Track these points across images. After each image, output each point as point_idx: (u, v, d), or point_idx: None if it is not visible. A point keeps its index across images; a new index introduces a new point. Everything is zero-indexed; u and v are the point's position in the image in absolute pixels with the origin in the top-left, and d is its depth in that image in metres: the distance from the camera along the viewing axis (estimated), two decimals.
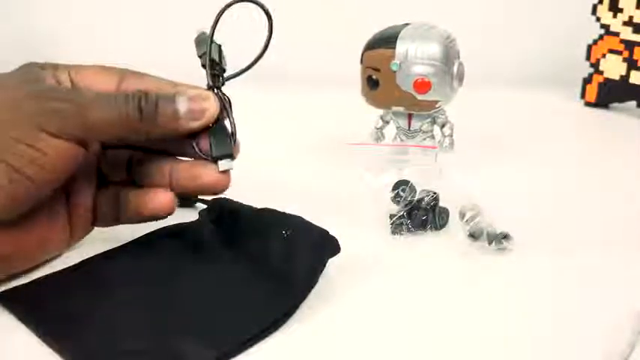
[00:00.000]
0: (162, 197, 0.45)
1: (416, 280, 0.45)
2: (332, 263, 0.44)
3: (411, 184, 0.52)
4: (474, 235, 0.48)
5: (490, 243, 0.48)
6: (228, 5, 0.44)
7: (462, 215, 0.50)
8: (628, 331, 0.38)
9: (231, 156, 0.44)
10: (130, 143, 0.46)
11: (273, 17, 0.45)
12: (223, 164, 0.44)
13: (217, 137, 0.44)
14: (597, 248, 0.49)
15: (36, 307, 0.41)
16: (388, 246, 0.50)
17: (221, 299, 0.42)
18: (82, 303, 0.41)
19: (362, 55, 0.61)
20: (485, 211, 0.50)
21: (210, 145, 0.44)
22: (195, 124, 0.42)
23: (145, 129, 0.41)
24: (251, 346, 0.38)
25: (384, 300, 0.43)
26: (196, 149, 0.44)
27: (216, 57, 0.44)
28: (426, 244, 0.50)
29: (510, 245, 0.48)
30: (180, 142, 0.44)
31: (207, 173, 0.44)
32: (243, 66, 0.46)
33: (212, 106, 0.43)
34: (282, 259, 0.43)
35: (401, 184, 0.52)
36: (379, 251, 0.48)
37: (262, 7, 0.44)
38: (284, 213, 0.46)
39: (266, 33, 0.45)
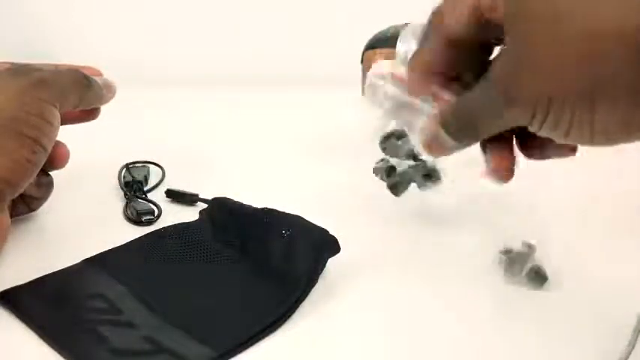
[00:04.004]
0: None
1: (416, 280, 0.45)
2: (332, 263, 0.44)
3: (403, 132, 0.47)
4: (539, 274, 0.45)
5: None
6: None
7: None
8: (628, 331, 0.38)
9: None
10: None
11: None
12: None
13: None
14: (597, 248, 0.49)
15: (36, 307, 0.41)
16: (388, 246, 0.50)
17: (221, 299, 0.42)
18: (82, 302, 0.41)
19: (362, 54, 0.61)
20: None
21: None
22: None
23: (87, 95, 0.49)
24: (251, 346, 0.38)
25: (383, 300, 0.43)
26: None
27: None
28: (427, 244, 0.50)
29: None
30: None
31: None
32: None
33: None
34: (282, 258, 0.43)
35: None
36: (379, 251, 0.48)
37: None
38: (284, 213, 0.46)
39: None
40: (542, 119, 0.31)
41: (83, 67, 0.50)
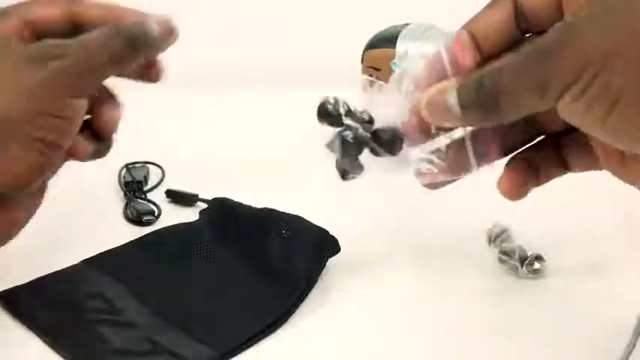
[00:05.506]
0: None
1: (416, 280, 0.45)
2: (332, 263, 0.44)
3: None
4: (507, 254, 0.46)
5: (522, 265, 0.46)
6: None
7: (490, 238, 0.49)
8: (628, 331, 0.38)
9: None
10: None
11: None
12: None
13: None
14: (597, 248, 0.49)
15: (36, 307, 0.41)
16: (388, 246, 0.50)
17: (221, 299, 0.42)
18: (81, 303, 0.41)
19: (362, 54, 0.61)
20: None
21: None
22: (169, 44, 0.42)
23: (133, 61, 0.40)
24: (251, 346, 0.38)
25: (383, 300, 0.43)
26: None
27: None
28: (427, 244, 0.50)
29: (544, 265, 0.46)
30: None
31: None
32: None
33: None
34: (282, 258, 0.43)
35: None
36: (379, 251, 0.48)
37: None
38: (284, 213, 0.46)
39: None
40: (590, 78, 0.27)
41: (124, 12, 0.41)
